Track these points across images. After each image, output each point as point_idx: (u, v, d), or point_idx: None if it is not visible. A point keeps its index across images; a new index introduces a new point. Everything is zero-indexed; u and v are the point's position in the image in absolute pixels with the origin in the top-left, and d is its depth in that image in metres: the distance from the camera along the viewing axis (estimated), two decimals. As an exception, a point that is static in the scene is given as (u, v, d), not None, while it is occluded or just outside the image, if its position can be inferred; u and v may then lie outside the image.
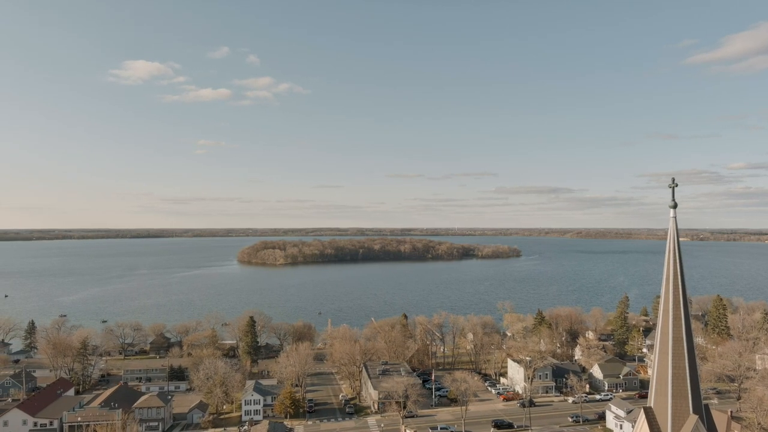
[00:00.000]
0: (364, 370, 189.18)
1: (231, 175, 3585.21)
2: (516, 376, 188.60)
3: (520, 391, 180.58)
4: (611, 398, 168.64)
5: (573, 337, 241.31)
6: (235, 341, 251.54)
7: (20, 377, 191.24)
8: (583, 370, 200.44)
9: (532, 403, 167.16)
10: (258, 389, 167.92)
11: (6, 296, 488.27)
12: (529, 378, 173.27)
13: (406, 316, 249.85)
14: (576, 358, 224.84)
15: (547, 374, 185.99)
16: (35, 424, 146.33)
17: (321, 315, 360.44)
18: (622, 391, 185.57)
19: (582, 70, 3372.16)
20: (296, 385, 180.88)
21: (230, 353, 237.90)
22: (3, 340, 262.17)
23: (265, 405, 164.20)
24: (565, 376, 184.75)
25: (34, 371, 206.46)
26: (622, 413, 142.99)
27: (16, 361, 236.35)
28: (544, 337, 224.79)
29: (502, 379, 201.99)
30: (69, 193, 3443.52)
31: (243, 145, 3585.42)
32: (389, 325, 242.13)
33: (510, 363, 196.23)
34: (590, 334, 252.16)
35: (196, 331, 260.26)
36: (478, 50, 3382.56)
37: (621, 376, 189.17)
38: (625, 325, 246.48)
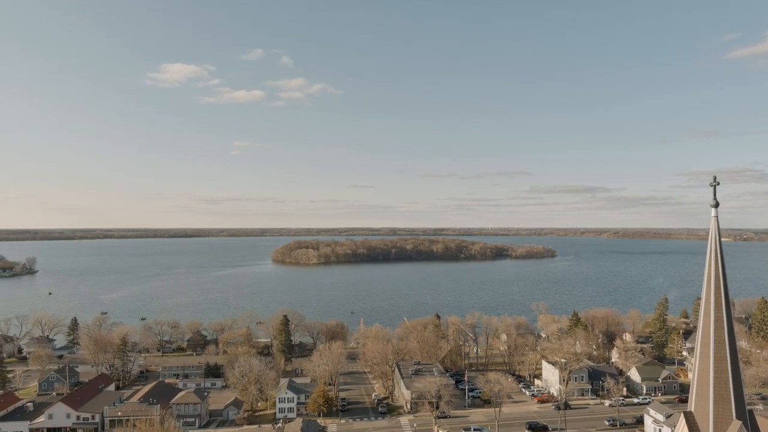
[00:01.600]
0: (396, 369, 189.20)
1: (265, 176, 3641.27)
2: (551, 378, 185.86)
3: (555, 393, 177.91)
4: (650, 402, 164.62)
5: (610, 339, 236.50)
6: (269, 339, 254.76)
7: (64, 372, 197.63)
8: (620, 372, 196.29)
9: (567, 406, 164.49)
10: (292, 387, 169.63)
11: (50, 294, 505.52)
12: (564, 380, 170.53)
13: (438, 317, 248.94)
14: (613, 360, 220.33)
15: (582, 376, 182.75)
16: (78, 418, 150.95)
17: (353, 314, 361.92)
18: (661, 394, 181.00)
19: (619, 67, 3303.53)
20: (329, 384, 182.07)
21: (264, 351, 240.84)
22: (48, 336, 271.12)
23: (298, 403, 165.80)
24: (602, 378, 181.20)
25: (77, 366, 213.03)
26: (661, 417, 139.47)
27: (60, 357, 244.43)
28: (579, 338, 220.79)
29: (537, 381, 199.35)
30: (110, 194, 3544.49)
31: (277, 146, 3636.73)
32: (422, 325, 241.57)
33: (544, 365, 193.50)
34: (627, 337, 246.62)
35: (231, 329, 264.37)
36: (511, 49, 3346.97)
37: (660, 380, 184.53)
38: (664, 327, 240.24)
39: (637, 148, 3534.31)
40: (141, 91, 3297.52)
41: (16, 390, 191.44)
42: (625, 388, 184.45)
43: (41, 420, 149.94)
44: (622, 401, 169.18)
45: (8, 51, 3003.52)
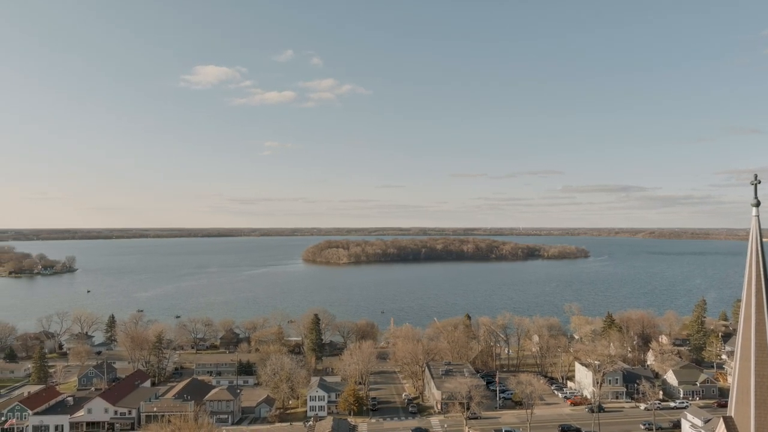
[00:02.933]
0: (426, 369, 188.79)
1: (296, 176, 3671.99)
2: (584, 380, 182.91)
3: (589, 396, 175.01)
4: (687, 406, 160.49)
5: (645, 341, 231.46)
6: (300, 338, 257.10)
7: (102, 368, 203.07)
8: (656, 375, 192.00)
9: (601, 409, 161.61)
10: (322, 386, 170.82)
11: (89, 292, 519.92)
12: (597, 382, 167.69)
13: (469, 317, 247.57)
14: (648, 363, 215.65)
15: (617, 379, 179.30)
16: (115, 413, 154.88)
17: (384, 314, 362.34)
18: (699, 399, 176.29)
19: (655, 65, 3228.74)
20: (359, 383, 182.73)
21: (296, 350, 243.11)
22: (87, 332, 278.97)
23: (329, 402, 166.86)
24: (637, 381, 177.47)
25: (114, 363, 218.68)
26: (699, 422, 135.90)
27: (99, 353, 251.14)
28: (613, 340, 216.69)
29: (569, 383, 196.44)
30: (146, 194, 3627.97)
31: (307, 146, 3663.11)
32: (452, 325, 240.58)
33: (577, 366, 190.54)
34: (664, 339, 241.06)
35: (263, 328, 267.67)
36: (543, 47, 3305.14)
37: (698, 384, 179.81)
38: (702, 329, 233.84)
39: (674, 146, 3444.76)
40: (175, 93, 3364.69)
41: (57, 384, 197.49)
42: (661, 392, 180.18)
43: (81, 414, 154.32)
44: (658, 405, 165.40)
45: (50, 55, 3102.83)
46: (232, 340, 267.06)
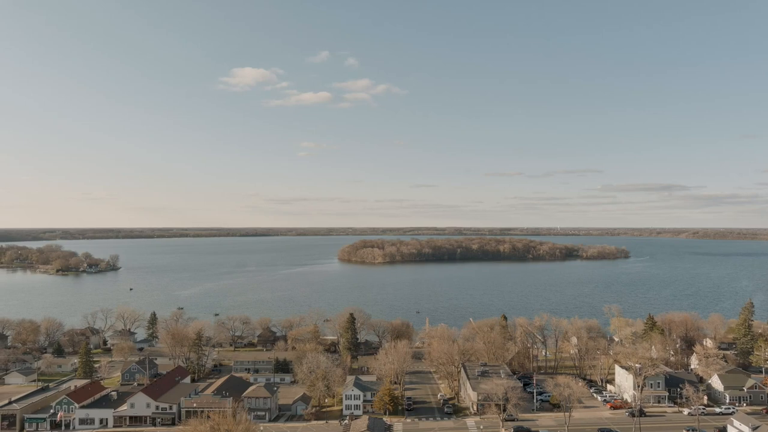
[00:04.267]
0: (462, 370, 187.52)
1: (331, 176, 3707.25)
2: (624, 383, 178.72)
3: (629, 400, 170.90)
4: (734, 412, 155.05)
5: (688, 344, 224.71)
6: (335, 337, 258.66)
7: (144, 364, 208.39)
8: (701, 380, 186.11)
9: (642, 413, 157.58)
10: (358, 385, 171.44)
11: (131, 289, 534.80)
12: (638, 386, 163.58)
13: (505, 318, 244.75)
14: (692, 367, 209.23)
15: (659, 383, 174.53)
16: (157, 408, 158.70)
17: (419, 314, 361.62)
18: (746, 405, 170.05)
19: (699, 62, 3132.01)
20: (395, 383, 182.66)
21: (331, 348, 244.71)
22: (129, 329, 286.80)
23: (364, 401, 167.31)
24: (680, 385, 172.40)
25: (156, 359, 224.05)
26: (746, 429, 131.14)
27: (141, 349, 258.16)
28: (655, 343, 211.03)
29: (609, 386, 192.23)
30: (186, 195, 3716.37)
31: (343, 147, 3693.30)
32: (488, 326, 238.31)
33: (617, 369, 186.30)
34: (708, 342, 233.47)
35: (299, 326, 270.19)
36: (583, 45, 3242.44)
37: (745, 389, 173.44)
38: (749, 333, 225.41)
39: (719, 143, 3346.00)
40: (214, 95, 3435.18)
41: (101, 379, 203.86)
42: (705, 397, 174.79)
43: (124, 408, 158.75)
44: (702, 410, 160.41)
45: (97, 59, 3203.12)
46: (269, 338, 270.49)
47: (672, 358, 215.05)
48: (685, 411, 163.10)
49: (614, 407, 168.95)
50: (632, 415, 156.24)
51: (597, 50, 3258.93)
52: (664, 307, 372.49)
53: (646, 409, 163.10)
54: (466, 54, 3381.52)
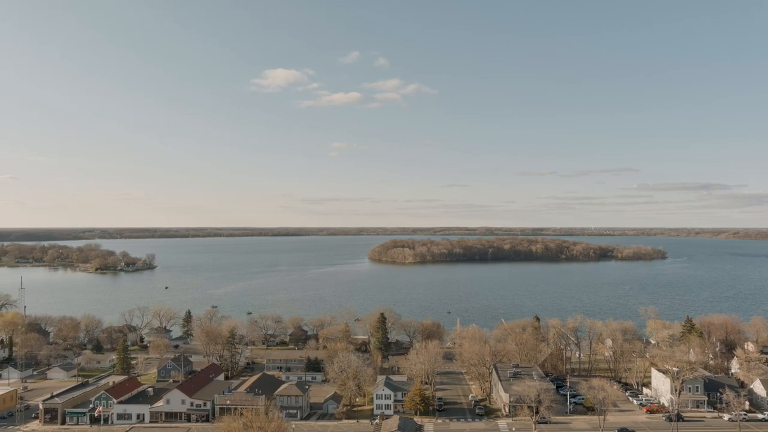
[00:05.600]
0: (494, 371, 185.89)
1: (362, 176, 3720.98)
2: (661, 387, 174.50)
3: (666, 404, 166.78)
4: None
5: (729, 348, 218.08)
6: (366, 336, 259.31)
7: (179, 361, 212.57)
8: (742, 385, 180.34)
9: (680, 418, 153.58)
10: (389, 384, 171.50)
11: (167, 288, 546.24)
12: (676, 390, 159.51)
13: (538, 319, 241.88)
14: (732, 371, 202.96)
15: (697, 387, 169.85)
16: (192, 404, 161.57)
17: (450, 314, 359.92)
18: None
19: (739, 57, 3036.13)
20: (425, 383, 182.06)
21: (362, 348, 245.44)
22: (165, 327, 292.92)
23: (395, 400, 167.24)
24: (720, 390, 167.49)
25: (191, 356, 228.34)
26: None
27: (176, 347, 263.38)
28: (693, 346, 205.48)
29: (645, 390, 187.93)
30: (219, 195, 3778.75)
31: (373, 147, 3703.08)
32: (520, 327, 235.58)
33: (654, 373, 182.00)
34: (750, 346, 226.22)
35: (330, 326, 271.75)
36: (615, 42, 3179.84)
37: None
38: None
39: (759, 141, 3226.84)
40: (247, 96, 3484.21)
41: (138, 375, 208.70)
42: (747, 402, 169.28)
43: (160, 404, 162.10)
44: (744, 416, 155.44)
45: (134, 62, 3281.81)
46: (301, 337, 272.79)
47: (711, 362, 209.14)
48: (726, 416, 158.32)
49: (651, 411, 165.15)
50: (669, 419, 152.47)
51: (630, 49, 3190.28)
52: (702, 309, 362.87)
53: (684, 414, 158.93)
54: (496, 53, 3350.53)
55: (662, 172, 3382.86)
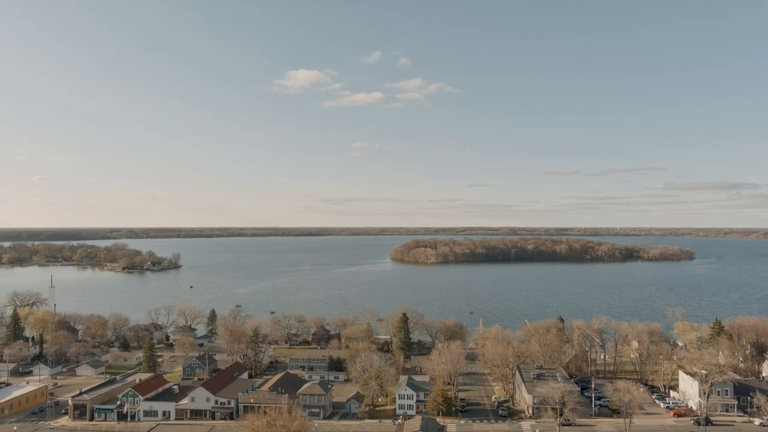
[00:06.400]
0: (517, 372, 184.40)
1: (384, 176, 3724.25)
2: (689, 390, 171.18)
3: (694, 408, 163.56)
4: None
5: (760, 351, 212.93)
6: (388, 336, 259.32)
7: (204, 359, 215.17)
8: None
9: (708, 422, 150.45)
10: (411, 384, 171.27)
11: (191, 287, 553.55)
12: (705, 393, 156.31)
13: (562, 320, 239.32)
14: (764, 375, 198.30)
15: (727, 391, 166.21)
16: (216, 402, 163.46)
17: (472, 315, 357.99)
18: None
19: (758, 55, 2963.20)
20: (448, 383, 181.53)
21: (384, 348, 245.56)
22: (190, 325, 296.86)
23: (417, 401, 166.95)
24: (750, 394, 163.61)
25: (215, 354, 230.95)
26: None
27: (201, 345, 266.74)
28: (723, 349, 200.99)
29: (673, 393, 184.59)
30: (243, 195, 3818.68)
31: (395, 147, 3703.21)
32: (544, 328, 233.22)
33: (682, 375, 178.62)
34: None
35: (352, 325, 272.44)
36: (642, 39, 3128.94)
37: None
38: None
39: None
40: (269, 97, 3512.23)
41: (164, 373, 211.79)
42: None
43: (185, 402, 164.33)
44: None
45: (160, 64, 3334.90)
46: (323, 337, 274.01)
47: (741, 365, 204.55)
48: (757, 421, 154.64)
49: (678, 415, 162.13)
50: (698, 423, 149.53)
51: (653, 47, 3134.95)
52: (732, 311, 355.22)
53: (712, 418, 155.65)
54: (519, 53, 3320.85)
55: (690, 171, 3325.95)
